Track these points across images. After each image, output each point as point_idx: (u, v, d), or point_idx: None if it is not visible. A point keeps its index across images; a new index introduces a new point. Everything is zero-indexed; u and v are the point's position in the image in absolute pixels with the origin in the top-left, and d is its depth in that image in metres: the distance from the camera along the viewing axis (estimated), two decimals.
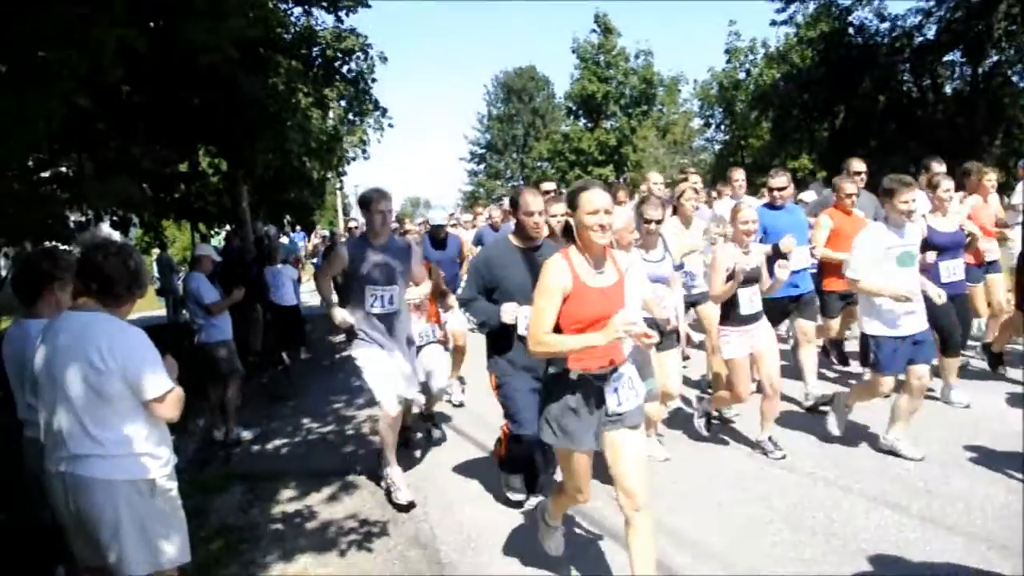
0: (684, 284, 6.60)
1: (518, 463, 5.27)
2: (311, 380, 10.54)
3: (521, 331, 4.69)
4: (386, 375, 5.50)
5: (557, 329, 3.50)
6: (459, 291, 6.71)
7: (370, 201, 5.47)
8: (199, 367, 7.70)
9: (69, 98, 5.34)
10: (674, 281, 6.01)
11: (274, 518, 5.59)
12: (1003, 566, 4.07)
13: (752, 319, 5.80)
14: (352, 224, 10.21)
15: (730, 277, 5.65)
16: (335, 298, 5.59)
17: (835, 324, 7.55)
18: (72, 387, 3.15)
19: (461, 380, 8.65)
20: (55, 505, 3.28)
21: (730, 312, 5.81)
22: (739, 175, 9.14)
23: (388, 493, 5.65)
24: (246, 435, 7.79)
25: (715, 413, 6.63)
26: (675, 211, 6.86)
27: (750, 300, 5.77)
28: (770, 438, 5.92)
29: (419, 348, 6.36)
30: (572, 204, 3.55)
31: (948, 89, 23.88)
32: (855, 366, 8.00)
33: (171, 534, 3.32)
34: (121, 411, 3.18)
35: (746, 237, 5.80)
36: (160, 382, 3.22)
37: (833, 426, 6.04)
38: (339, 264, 5.55)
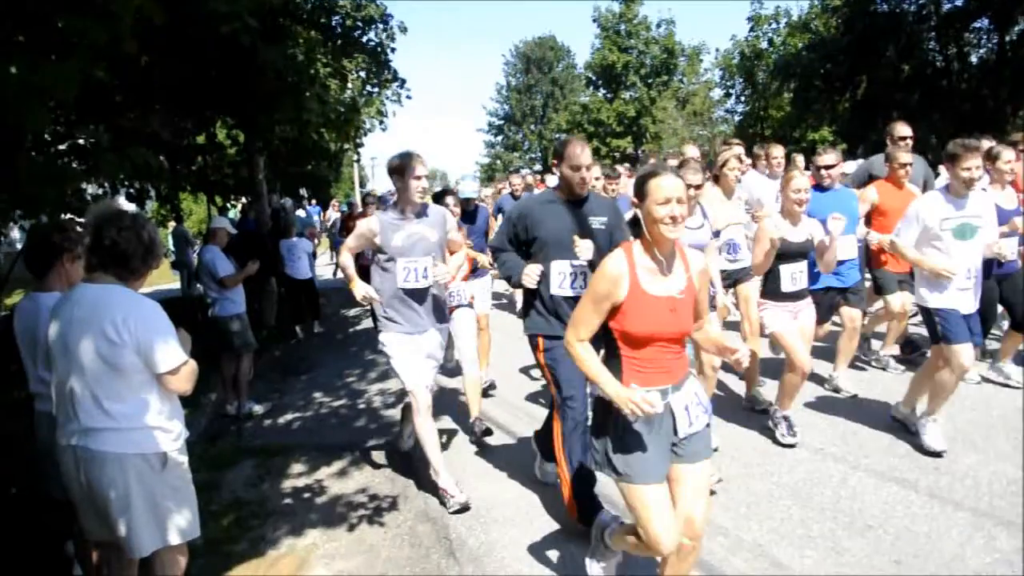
0: (726, 256, 6.37)
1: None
2: (324, 354, 10.56)
3: (554, 290, 4.47)
4: (415, 363, 5.09)
5: (608, 336, 3.16)
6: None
7: (404, 167, 4.96)
8: (212, 340, 7.74)
9: (86, 69, 5.32)
10: (710, 249, 5.62)
11: (284, 493, 5.62)
12: (1009, 542, 4.04)
13: (794, 297, 5.46)
14: (371, 196, 9.64)
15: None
16: (353, 271, 5.19)
17: (895, 302, 6.80)
18: (86, 359, 3.14)
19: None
20: (66, 478, 3.28)
21: (771, 288, 5.49)
22: (778, 152, 8.34)
23: (440, 500, 5.14)
24: (258, 409, 7.83)
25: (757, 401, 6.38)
26: (716, 180, 6.49)
27: (792, 277, 5.41)
28: (786, 418, 5.64)
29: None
30: (640, 193, 3.10)
31: (974, 59, 23.43)
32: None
33: (181, 508, 3.32)
34: (134, 384, 3.17)
35: (797, 208, 5.39)
36: (174, 355, 3.20)
37: (935, 439, 5.25)
38: (368, 235, 5.09)
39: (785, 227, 5.37)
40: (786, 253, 5.34)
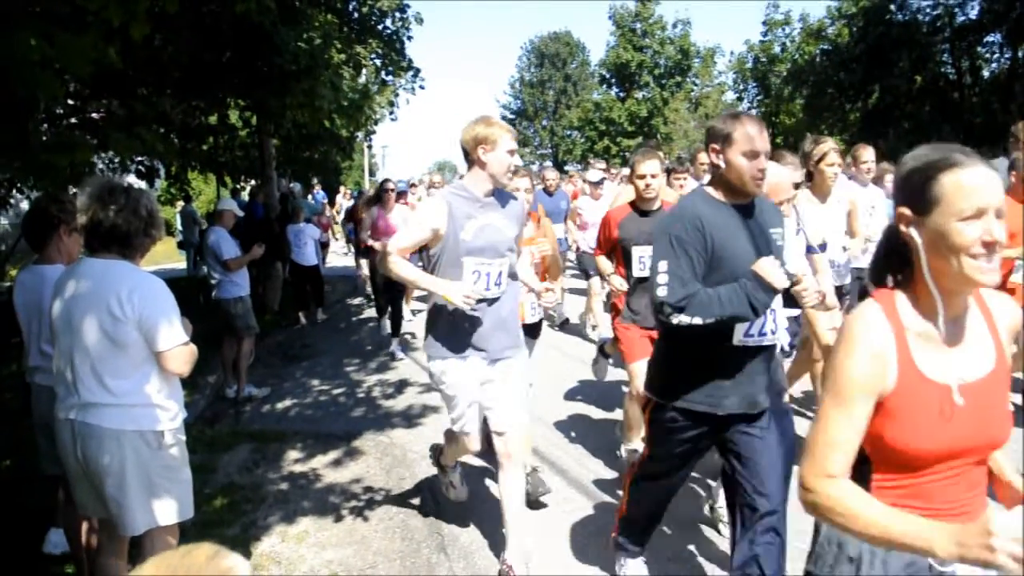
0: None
1: (642, 520, 3.81)
2: (326, 342, 10.56)
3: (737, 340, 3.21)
4: (470, 398, 3.99)
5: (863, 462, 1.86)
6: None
7: (492, 137, 3.83)
8: (214, 322, 7.75)
9: (100, 47, 5.32)
10: (817, 262, 4.61)
11: (279, 479, 5.63)
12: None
13: None
14: (391, 186, 9.81)
15: None
16: (423, 275, 3.95)
17: None
18: (88, 334, 3.13)
19: None
20: (62, 452, 3.27)
21: None
22: (868, 154, 6.71)
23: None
24: (257, 393, 7.85)
25: None
26: (809, 177, 5.54)
27: None
28: None
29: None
30: (918, 198, 1.76)
31: (986, 73, 23.41)
32: None
33: (176, 488, 3.30)
34: (135, 360, 3.15)
35: None
36: (175, 334, 3.18)
37: None
38: (431, 225, 3.86)
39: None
40: None
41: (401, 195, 9.51)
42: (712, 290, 3.04)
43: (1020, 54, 21.87)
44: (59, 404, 3.23)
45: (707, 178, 3.43)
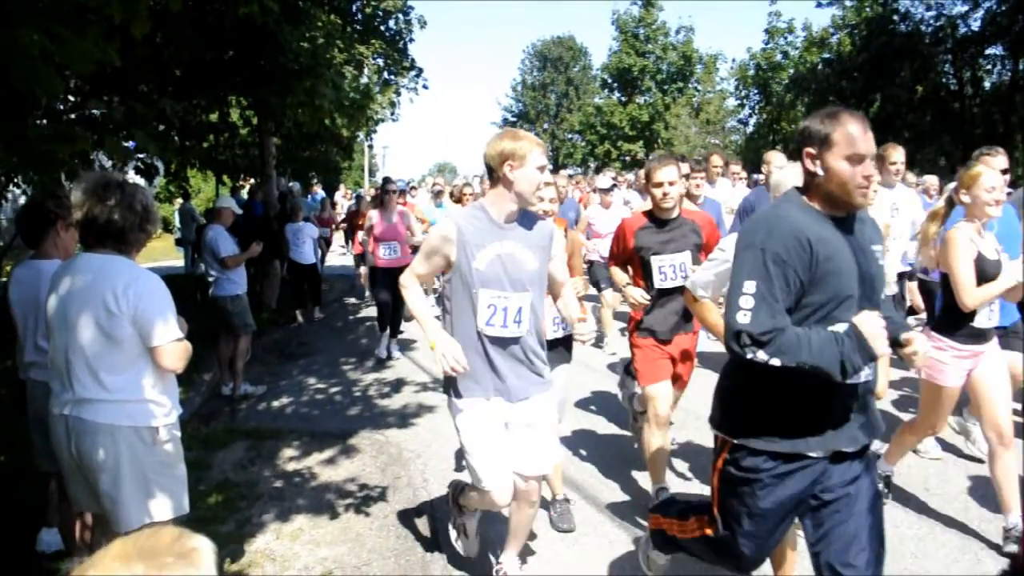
0: None
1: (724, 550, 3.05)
2: (322, 341, 10.57)
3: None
4: (493, 448, 3.55)
5: None
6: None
7: (521, 151, 3.40)
8: (211, 320, 7.75)
9: (100, 47, 5.32)
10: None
11: (274, 476, 5.62)
12: (995, 566, 4.04)
13: (984, 336, 4.25)
14: (393, 187, 9.26)
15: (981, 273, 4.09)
16: (430, 317, 3.64)
17: None
18: (84, 330, 3.11)
19: None
20: (56, 448, 3.26)
21: (957, 321, 4.21)
22: (898, 155, 6.32)
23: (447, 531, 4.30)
24: (253, 391, 7.84)
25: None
26: None
27: (990, 306, 4.23)
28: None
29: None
30: None
31: (987, 84, 23.50)
32: None
33: (171, 484, 3.29)
34: (130, 356, 3.14)
35: (990, 210, 4.16)
36: (169, 330, 3.16)
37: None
38: (442, 248, 3.50)
39: (976, 238, 4.22)
40: (983, 275, 4.14)
41: (400, 194, 9.41)
42: (803, 332, 2.55)
43: (1021, 66, 21.95)
44: (54, 400, 3.22)
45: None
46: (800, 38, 31.88)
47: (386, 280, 8.72)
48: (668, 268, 4.65)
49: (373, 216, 9.23)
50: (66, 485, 3.40)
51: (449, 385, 3.62)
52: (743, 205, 7.02)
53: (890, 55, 23.01)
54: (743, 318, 2.56)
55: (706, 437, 5.36)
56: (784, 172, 3.69)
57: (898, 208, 6.22)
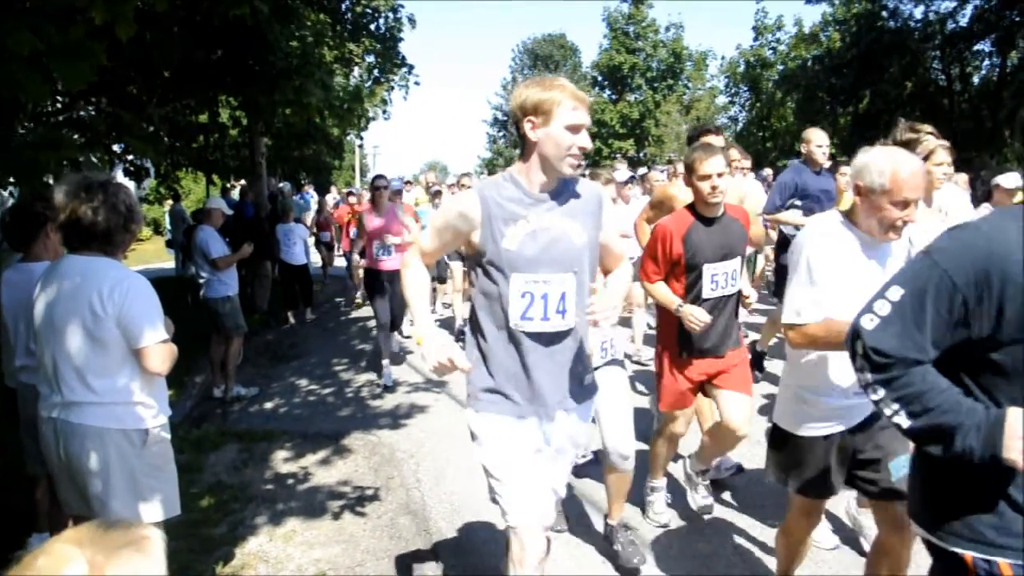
0: None
1: None
2: (314, 342, 10.54)
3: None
4: (526, 475, 2.89)
5: None
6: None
7: (549, 102, 2.69)
8: (202, 322, 7.72)
9: (94, 54, 5.30)
10: None
11: (266, 478, 5.60)
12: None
13: None
14: (384, 183, 8.46)
15: None
16: (423, 306, 3.01)
17: None
18: (70, 332, 3.10)
19: None
20: (45, 452, 3.25)
21: None
22: (943, 156, 6.11)
23: None
24: (245, 393, 7.82)
25: None
26: None
27: None
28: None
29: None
30: None
31: (975, 79, 23.65)
32: None
33: (161, 487, 3.28)
34: (117, 359, 3.12)
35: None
36: (154, 332, 3.13)
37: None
38: (461, 224, 2.85)
39: None
40: None
41: (396, 194, 9.12)
42: (946, 383, 1.89)
43: (1008, 62, 22.08)
44: (42, 403, 3.21)
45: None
46: (790, 34, 31.99)
47: (381, 284, 8.09)
48: (721, 276, 4.11)
49: (365, 214, 8.60)
50: (56, 488, 3.38)
51: (471, 397, 2.96)
52: (782, 180, 7.00)
53: (879, 51, 23.13)
54: (871, 325, 1.95)
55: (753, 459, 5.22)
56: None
57: (946, 213, 6.10)
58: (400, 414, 6.99)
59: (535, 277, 2.77)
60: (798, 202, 6.69)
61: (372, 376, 8.39)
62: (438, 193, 12.26)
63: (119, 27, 5.00)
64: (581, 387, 2.97)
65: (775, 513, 4.40)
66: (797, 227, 6.33)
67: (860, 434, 3.05)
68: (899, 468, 2.92)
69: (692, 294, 4.11)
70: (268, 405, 7.61)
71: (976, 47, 23.11)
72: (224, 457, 6.00)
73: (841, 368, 2.95)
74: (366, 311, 11.54)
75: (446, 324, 10.23)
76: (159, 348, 3.15)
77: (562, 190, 2.84)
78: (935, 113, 22.91)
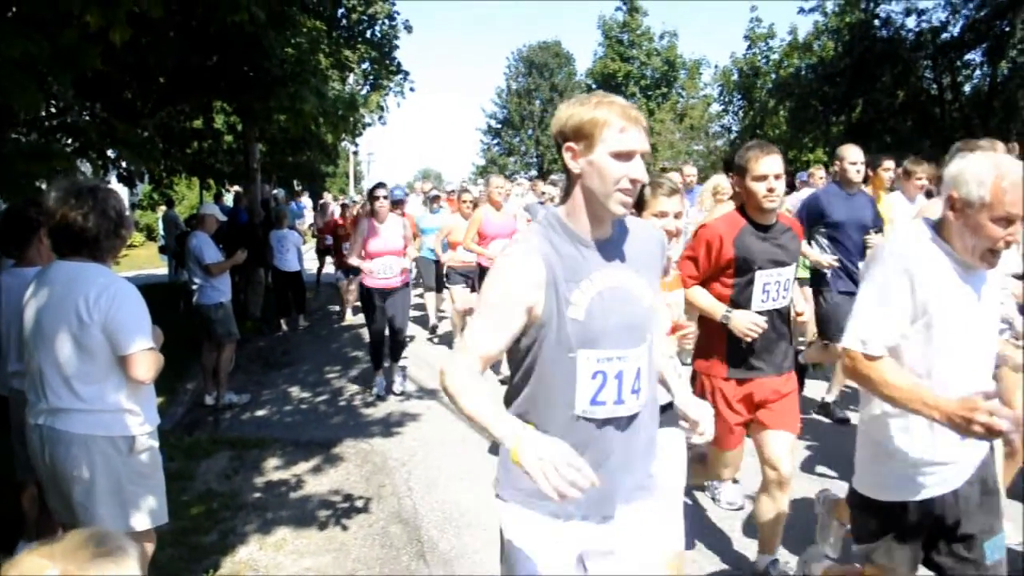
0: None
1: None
2: (307, 349, 10.52)
3: None
4: None
5: None
6: None
7: (578, 126, 2.15)
8: (194, 328, 7.70)
9: (87, 53, 5.30)
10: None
11: (258, 486, 5.58)
12: None
13: None
14: (383, 193, 7.76)
15: None
16: (500, 413, 2.08)
17: None
18: (56, 339, 3.08)
19: None
20: (33, 459, 3.24)
21: None
22: (923, 169, 6.52)
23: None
24: (237, 400, 7.80)
25: None
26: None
27: None
28: None
29: None
30: None
31: (967, 89, 23.81)
32: None
33: (148, 494, 3.26)
34: (103, 365, 3.10)
35: None
36: (139, 339, 3.10)
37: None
38: (522, 304, 2.16)
39: None
40: None
41: (397, 204, 8.75)
42: None
43: (999, 72, 22.23)
44: (29, 410, 3.20)
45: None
46: (784, 43, 32.12)
47: (379, 303, 7.63)
48: (773, 286, 3.71)
49: (364, 226, 7.79)
50: (45, 495, 3.37)
51: (503, 473, 2.36)
52: (805, 203, 6.16)
53: (872, 61, 23.23)
54: None
55: None
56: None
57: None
58: (392, 422, 6.98)
59: (608, 353, 2.18)
60: (822, 230, 5.83)
61: (364, 384, 8.38)
62: (436, 198, 12.02)
63: (113, 31, 5.01)
64: (647, 471, 2.39)
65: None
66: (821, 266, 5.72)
67: (954, 503, 2.61)
68: (995, 549, 2.61)
69: (739, 305, 3.69)
70: (260, 412, 7.59)
71: (967, 57, 23.27)
72: (215, 465, 5.98)
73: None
74: (360, 318, 11.51)
75: (445, 339, 10.21)
76: (144, 356, 3.12)
77: (619, 235, 2.28)
78: (927, 122, 23.04)
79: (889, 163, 6.74)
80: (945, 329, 2.45)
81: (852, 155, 5.87)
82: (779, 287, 3.73)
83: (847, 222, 5.72)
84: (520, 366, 2.27)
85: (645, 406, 2.30)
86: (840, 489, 5.08)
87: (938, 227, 2.53)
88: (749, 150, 3.65)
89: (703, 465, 4.01)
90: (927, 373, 2.51)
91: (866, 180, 6.17)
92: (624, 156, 2.11)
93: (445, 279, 9.59)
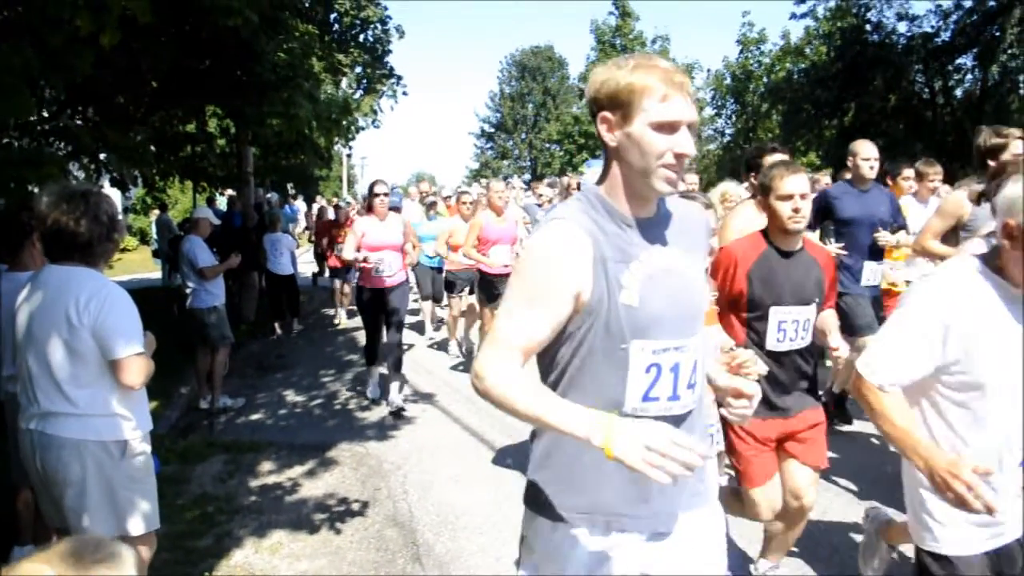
0: None
1: None
2: (301, 353, 10.50)
3: None
4: None
5: None
6: None
7: (613, 92, 1.91)
8: (188, 332, 7.68)
9: (70, 61, 5.31)
10: None
11: (253, 490, 5.57)
12: None
13: None
14: (382, 189, 7.42)
15: None
16: (563, 404, 1.86)
17: None
18: (48, 343, 3.08)
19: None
20: (25, 463, 3.23)
21: None
22: (936, 171, 6.62)
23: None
24: (231, 404, 7.78)
25: None
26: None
27: None
28: None
29: None
30: None
31: (958, 92, 23.94)
32: None
33: (140, 499, 3.24)
34: (95, 370, 3.09)
35: None
36: (129, 344, 3.09)
37: None
38: (569, 291, 1.90)
39: None
40: None
41: (393, 211, 8.60)
42: None
43: (990, 75, 22.37)
44: (21, 414, 3.19)
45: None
46: (776, 47, 32.22)
47: (375, 303, 7.36)
48: (790, 324, 3.41)
49: (361, 225, 7.49)
50: (37, 499, 3.36)
51: (537, 488, 2.07)
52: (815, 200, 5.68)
53: (863, 65, 23.35)
54: None
55: None
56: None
57: None
58: (387, 425, 6.97)
59: (664, 343, 1.93)
60: (831, 228, 5.72)
61: (359, 387, 8.37)
62: (434, 204, 11.63)
63: (104, 34, 5.01)
64: (702, 478, 2.14)
65: None
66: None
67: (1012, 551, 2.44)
68: None
69: (754, 343, 3.41)
70: (254, 416, 7.57)
71: (958, 61, 23.42)
72: (210, 468, 5.97)
73: (987, 449, 2.33)
74: (354, 323, 11.51)
75: (442, 346, 10.21)
76: (134, 361, 3.11)
77: (665, 213, 2.07)
78: (919, 126, 23.18)
79: (909, 171, 6.59)
80: (990, 380, 2.26)
81: (865, 151, 5.73)
82: (798, 326, 3.42)
83: (859, 219, 5.57)
84: (556, 361, 2.00)
85: (699, 401, 2.07)
86: (852, 502, 5.11)
87: (988, 258, 2.32)
88: (774, 168, 3.46)
89: (739, 502, 3.71)
90: (967, 431, 2.35)
91: (882, 182, 6.11)
92: (667, 127, 1.87)
93: (445, 288, 9.52)
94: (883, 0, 24.17)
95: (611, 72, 1.91)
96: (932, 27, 23.22)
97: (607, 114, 1.91)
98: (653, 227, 2.00)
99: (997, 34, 20.83)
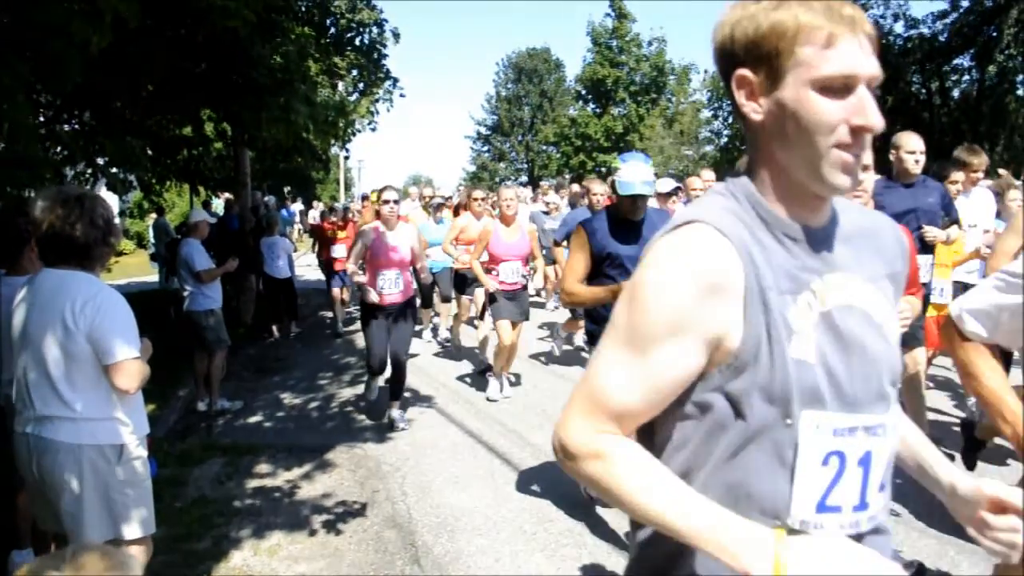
0: None
1: None
2: (299, 355, 10.49)
3: None
4: None
5: None
6: None
7: (757, 40, 1.25)
8: (186, 335, 7.68)
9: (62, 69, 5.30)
10: None
11: (251, 492, 5.56)
12: (970, 569, 4.09)
13: None
14: (392, 196, 6.91)
15: None
16: (703, 501, 1.24)
17: None
18: (44, 347, 3.06)
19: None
20: (20, 467, 3.21)
21: None
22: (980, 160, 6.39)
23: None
24: (229, 407, 7.76)
25: None
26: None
27: None
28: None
29: None
30: None
31: (955, 93, 24.01)
32: None
33: (137, 503, 3.22)
34: (91, 374, 3.08)
35: None
36: (124, 349, 3.06)
37: None
38: (709, 326, 1.25)
39: None
40: None
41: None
42: None
43: (987, 76, 22.43)
44: (17, 418, 3.17)
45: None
46: None
47: (382, 322, 6.88)
48: None
49: (369, 235, 6.84)
50: (30, 503, 3.34)
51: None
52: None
53: None
54: None
55: None
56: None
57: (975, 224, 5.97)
58: (385, 427, 6.95)
59: (851, 420, 1.29)
60: None
61: (357, 389, 8.35)
62: (440, 207, 10.87)
63: (94, 36, 5.01)
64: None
65: None
66: None
67: None
68: None
69: None
70: (253, 419, 7.56)
71: (955, 61, 23.48)
72: (208, 471, 5.96)
73: None
74: (352, 327, 11.52)
75: (441, 348, 10.19)
76: (129, 365, 3.09)
77: (840, 222, 1.41)
78: (917, 126, 23.18)
79: (958, 174, 6.25)
80: None
81: (911, 143, 5.29)
82: None
83: (904, 215, 5.04)
84: (677, 443, 1.35)
85: (886, 510, 1.39)
86: None
87: None
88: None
89: None
90: None
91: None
92: (838, 87, 1.24)
93: (455, 287, 9.47)
94: (880, 1, 24.25)
95: (746, 8, 1.28)
96: (929, 28, 23.29)
97: (746, 72, 1.29)
98: (827, 243, 1.36)
99: (994, 35, 20.90)
